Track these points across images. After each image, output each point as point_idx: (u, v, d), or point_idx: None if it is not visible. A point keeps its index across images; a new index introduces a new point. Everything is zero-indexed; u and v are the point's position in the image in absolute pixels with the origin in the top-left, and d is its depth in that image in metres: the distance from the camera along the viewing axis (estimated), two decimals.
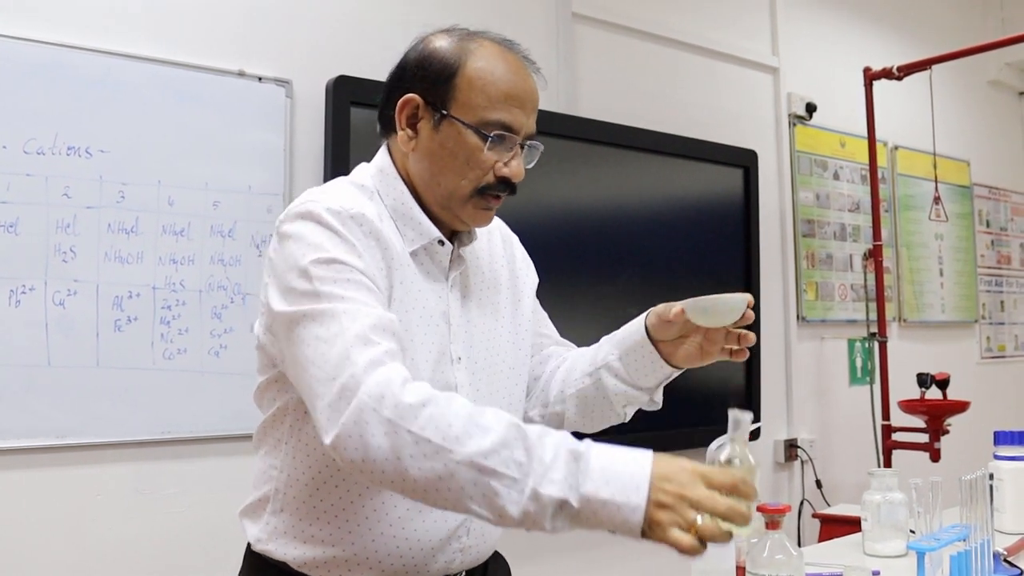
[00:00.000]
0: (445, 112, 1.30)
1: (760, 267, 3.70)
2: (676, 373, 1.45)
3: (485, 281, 1.46)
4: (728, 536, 0.98)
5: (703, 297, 1.31)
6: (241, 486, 2.39)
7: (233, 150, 2.50)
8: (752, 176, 3.68)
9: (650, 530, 1.00)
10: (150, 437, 2.36)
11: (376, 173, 1.36)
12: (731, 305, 1.33)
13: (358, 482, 1.27)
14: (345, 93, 2.60)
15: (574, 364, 1.53)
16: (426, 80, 1.32)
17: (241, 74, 2.53)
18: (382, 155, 1.39)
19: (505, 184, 1.33)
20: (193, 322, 2.41)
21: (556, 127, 3.06)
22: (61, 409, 2.24)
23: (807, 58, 4.17)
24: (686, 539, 0.98)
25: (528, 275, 1.57)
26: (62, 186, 2.26)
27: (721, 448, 1.12)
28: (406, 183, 1.35)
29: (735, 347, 1.40)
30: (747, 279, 3.64)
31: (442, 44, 1.33)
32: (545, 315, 1.62)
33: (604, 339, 1.52)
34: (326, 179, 2.55)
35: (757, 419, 3.55)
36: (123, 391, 2.31)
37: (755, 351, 3.63)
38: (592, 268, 3.13)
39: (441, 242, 1.36)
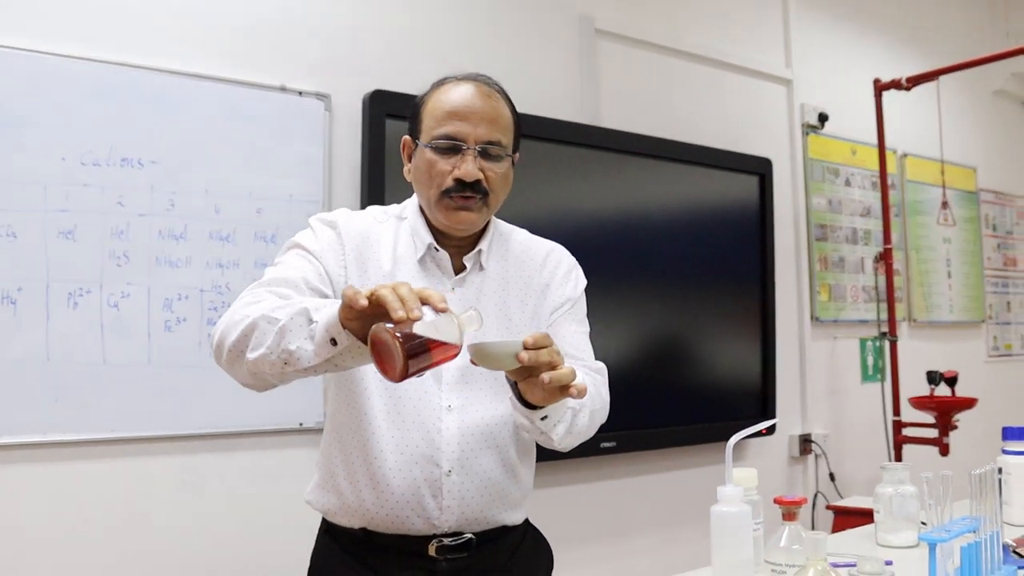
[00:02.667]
0: (417, 141, 1.51)
1: (776, 270, 3.69)
2: (537, 413, 1.34)
3: (508, 291, 1.55)
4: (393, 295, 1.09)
5: (478, 342, 1.22)
6: (279, 477, 2.44)
7: (275, 161, 2.51)
8: (767, 183, 3.67)
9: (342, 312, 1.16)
10: (197, 431, 2.37)
11: (410, 202, 1.59)
12: (498, 351, 1.21)
13: (355, 436, 1.46)
14: (381, 106, 2.61)
15: None
16: (409, 120, 1.55)
17: (283, 89, 2.55)
18: None
19: (461, 184, 1.46)
20: None
21: (580, 137, 3.06)
22: (115, 405, 2.26)
23: (819, 70, 4.14)
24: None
25: (560, 290, 1.60)
26: (116, 195, 2.28)
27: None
28: (421, 206, 1.55)
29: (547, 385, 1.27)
30: (763, 281, 3.62)
31: (421, 92, 1.55)
32: (574, 332, 1.59)
33: None
34: (363, 188, 2.60)
35: (773, 415, 3.57)
36: (172, 388, 2.33)
37: (770, 350, 3.62)
38: (614, 272, 3.12)
39: (436, 248, 1.51)
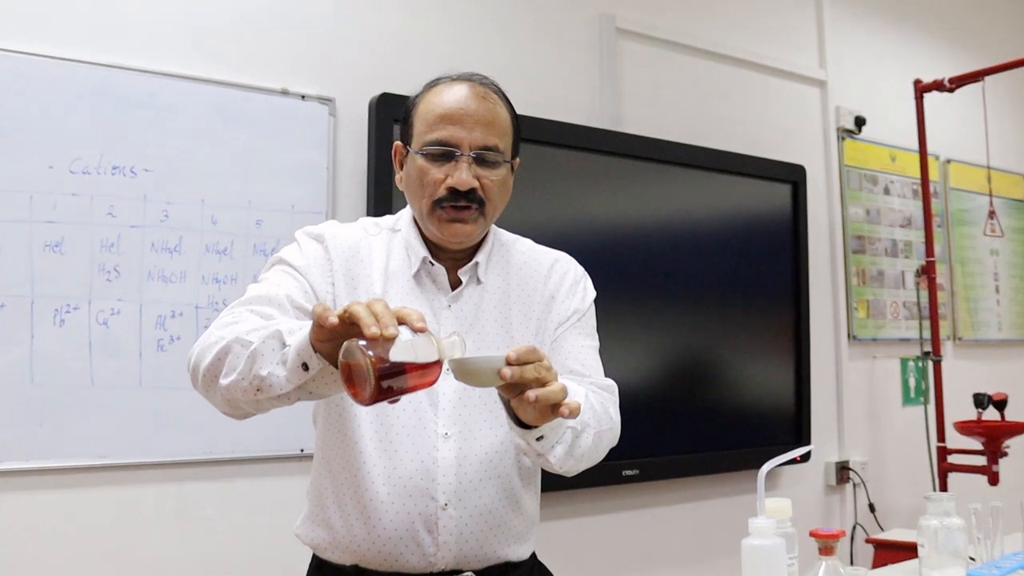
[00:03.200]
0: (408, 147, 1.51)
1: (809, 285, 3.67)
2: (531, 433, 1.32)
3: (509, 305, 1.55)
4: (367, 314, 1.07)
5: (459, 357, 1.18)
6: (280, 507, 2.43)
7: (276, 169, 2.52)
8: (800, 192, 3.66)
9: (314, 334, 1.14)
10: (191, 457, 2.37)
11: (405, 213, 1.59)
12: (479, 367, 1.19)
13: (345, 465, 1.46)
14: (388, 111, 2.61)
15: None
16: (401, 125, 1.55)
17: (285, 92, 2.55)
18: None
19: (455, 193, 1.45)
20: None
21: (600, 143, 3.06)
22: (104, 429, 2.25)
23: (856, 71, 4.12)
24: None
25: (567, 302, 1.60)
26: (107, 205, 2.28)
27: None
28: (415, 218, 1.55)
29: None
30: (796, 297, 3.61)
31: (413, 93, 1.55)
32: (582, 347, 1.59)
33: None
34: (369, 197, 2.60)
35: (807, 441, 3.54)
36: (165, 411, 2.33)
37: (804, 371, 3.60)
38: (637, 287, 3.12)
39: (431, 263, 1.51)
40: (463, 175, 1.44)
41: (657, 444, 3.13)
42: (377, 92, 2.64)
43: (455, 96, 1.47)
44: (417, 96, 1.53)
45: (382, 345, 1.06)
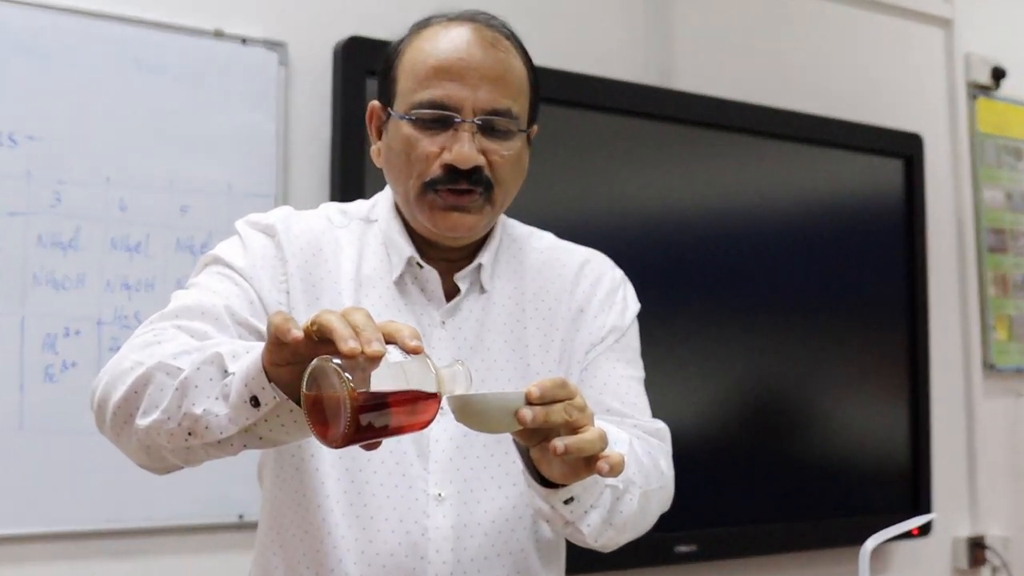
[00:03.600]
0: (390, 110, 1.51)
1: (928, 295, 3.67)
2: (557, 494, 1.31)
3: (523, 320, 1.57)
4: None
5: (463, 394, 1.18)
6: None
7: (207, 137, 2.51)
8: (915, 169, 3.66)
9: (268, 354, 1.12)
10: (92, 527, 2.36)
11: (382, 198, 1.60)
12: (490, 406, 1.19)
13: (302, 537, 1.47)
14: (359, 60, 2.61)
15: None
16: (379, 80, 1.56)
17: (219, 35, 2.55)
18: None
19: (454, 173, 1.44)
20: None
21: (644, 104, 3.06)
22: None
23: (992, 5, 4.11)
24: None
25: (601, 317, 1.61)
26: None
27: None
28: (396, 203, 1.56)
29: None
30: (910, 312, 3.60)
31: (396, 38, 1.55)
32: (625, 379, 1.60)
33: None
34: (333, 176, 2.61)
35: (927, 508, 3.51)
36: (55, 463, 2.31)
37: (923, 412, 3.59)
38: (693, 297, 3.12)
39: (420, 264, 1.51)
40: (465, 148, 1.44)
41: (721, 511, 3.12)
42: (344, 35, 2.64)
43: (454, 42, 1.47)
44: (401, 42, 1.53)
45: (362, 367, 1.04)
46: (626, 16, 3.23)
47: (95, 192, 2.39)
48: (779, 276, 3.31)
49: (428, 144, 1.45)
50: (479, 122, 1.45)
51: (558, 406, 1.18)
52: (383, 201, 1.58)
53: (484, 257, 1.55)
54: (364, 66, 2.60)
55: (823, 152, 3.45)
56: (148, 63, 2.46)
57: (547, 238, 1.67)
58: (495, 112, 1.46)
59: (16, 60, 2.33)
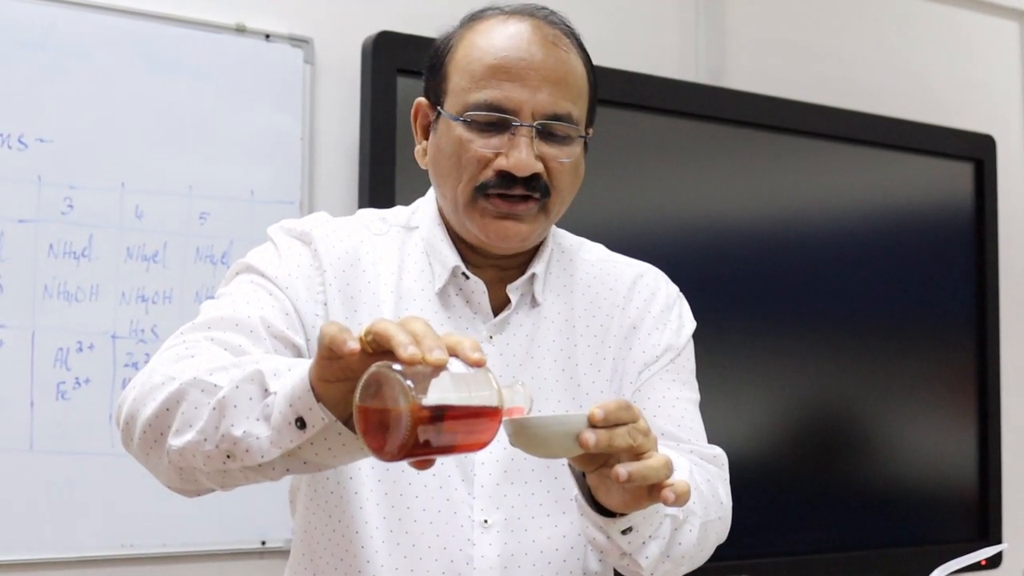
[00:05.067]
0: (440, 109, 1.51)
1: (1000, 310, 3.65)
2: (615, 524, 1.31)
3: (573, 337, 1.57)
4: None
5: (520, 417, 1.19)
6: None
7: (228, 139, 2.52)
8: (986, 173, 3.63)
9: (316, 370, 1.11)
10: (104, 553, 2.36)
11: (423, 204, 1.60)
12: (551, 430, 1.19)
13: (338, 565, 1.47)
14: (389, 56, 2.60)
15: None
16: (426, 76, 1.56)
17: (240, 30, 2.55)
18: None
19: (509, 179, 1.44)
20: None
21: (694, 104, 3.05)
22: None
23: None
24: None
25: (656, 335, 1.61)
26: None
27: None
28: (440, 209, 1.57)
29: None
30: (980, 328, 3.58)
31: (447, 31, 1.54)
32: (680, 401, 1.60)
33: None
34: (362, 181, 2.60)
35: (996, 538, 3.49)
36: (67, 486, 2.32)
37: (993, 434, 3.55)
38: (746, 312, 3.11)
39: (466, 275, 1.51)
40: (523, 155, 1.44)
41: (775, 540, 3.11)
42: (374, 30, 2.63)
43: (513, 39, 1.47)
44: (453, 35, 1.53)
45: (423, 377, 1.02)
46: (676, 11, 3.22)
47: (109, 198, 2.39)
48: (838, 288, 3.30)
49: (482, 147, 1.45)
50: (538, 127, 1.45)
51: (622, 430, 1.18)
52: (425, 207, 1.58)
53: (537, 267, 1.55)
54: (395, 63, 2.60)
55: (886, 155, 3.42)
56: (165, 61, 2.46)
57: (597, 250, 1.67)
58: (555, 116, 1.46)
59: (25, 58, 2.34)
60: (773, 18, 3.41)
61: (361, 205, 2.56)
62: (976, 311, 3.58)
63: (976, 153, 3.61)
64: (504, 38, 1.47)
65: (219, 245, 2.48)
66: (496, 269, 1.54)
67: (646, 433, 1.20)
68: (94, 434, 2.35)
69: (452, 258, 1.51)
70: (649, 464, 1.18)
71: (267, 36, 2.57)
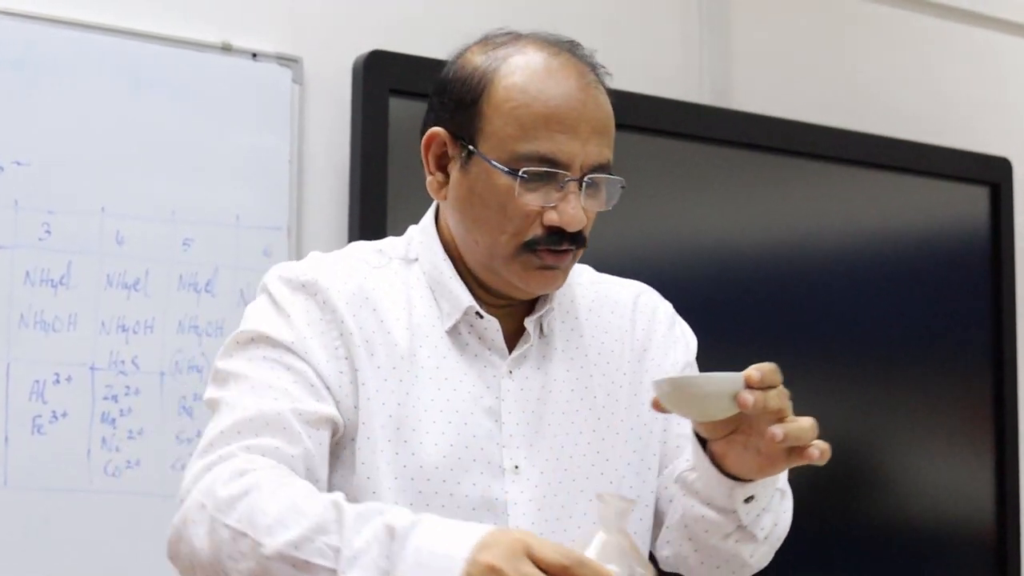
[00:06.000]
0: (472, 148, 1.47)
1: (1017, 336, 3.64)
2: (743, 490, 1.40)
3: (586, 366, 1.58)
4: None
5: (675, 376, 1.34)
6: None
7: (213, 162, 2.51)
8: (1003, 197, 3.63)
9: None
10: None
11: (418, 234, 1.58)
12: (710, 389, 1.29)
13: None
14: (380, 76, 2.61)
15: None
16: (450, 107, 1.51)
17: (226, 49, 2.54)
18: (430, 210, 1.60)
19: (560, 235, 1.45)
20: (151, 420, 2.40)
21: (699, 126, 3.05)
22: None
23: None
24: None
25: (670, 353, 1.64)
26: None
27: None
28: (446, 242, 1.56)
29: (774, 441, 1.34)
30: (997, 357, 3.56)
31: (473, 58, 1.52)
32: None
33: None
34: (353, 205, 2.63)
35: (1017, 571, 3.46)
36: (42, 524, 2.30)
37: (1011, 467, 3.53)
38: (751, 337, 3.09)
39: (479, 314, 1.50)
40: (575, 210, 1.45)
41: None
42: (364, 49, 2.63)
43: (561, 87, 1.47)
44: (485, 71, 1.50)
45: None
46: (680, 31, 3.22)
47: (89, 223, 2.39)
48: (850, 316, 3.30)
49: (532, 200, 1.45)
50: (588, 181, 1.46)
51: (773, 392, 1.27)
52: (422, 238, 1.58)
53: (554, 300, 1.56)
54: (387, 83, 2.61)
55: (899, 178, 3.43)
56: (147, 80, 2.46)
57: (587, 272, 1.68)
58: (600, 167, 1.47)
59: (3, 77, 2.34)
60: (780, 37, 3.40)
61: (351, 229, 2.59)
62: (993, 339, 3.57)
63: (992, 177, 3.61)
64: (551, 83, 1.46)
65: (203, 272, 2.47)
66: (504, 306, 1.54)
67: (788, 398, 1.29)
68: (71, 470, 2.33)
69: (465, 298, 1.50)
70: (801, 425, 1.28)
71: (254, 55, 2.57)
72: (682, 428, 1.58)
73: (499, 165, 1.44)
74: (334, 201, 2.63)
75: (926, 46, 3.70)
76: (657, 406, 1.34)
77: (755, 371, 1.26)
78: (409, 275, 1.54)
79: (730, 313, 3.03)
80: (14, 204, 2.31)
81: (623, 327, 1.62)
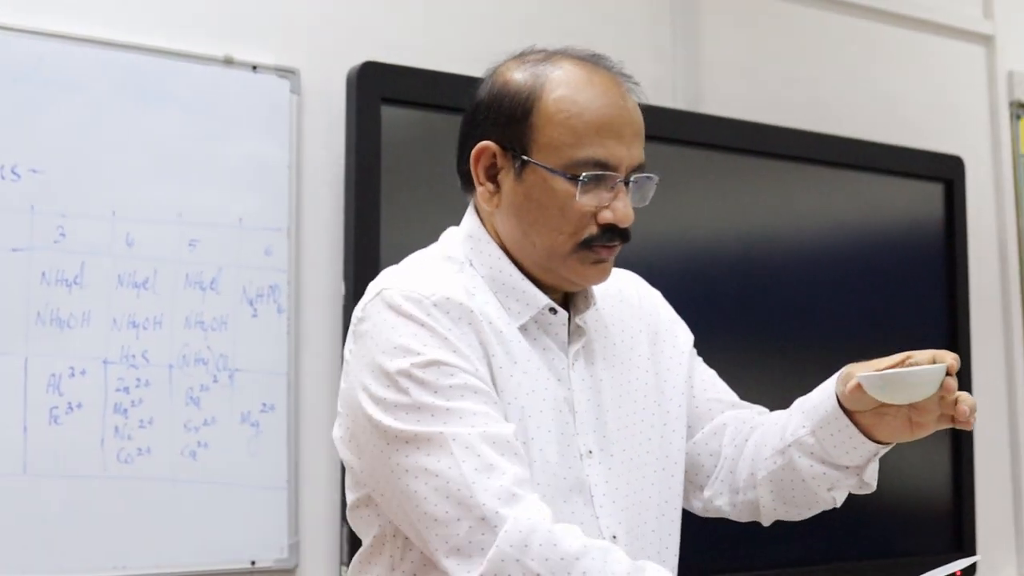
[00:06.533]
0: (526, 158, 1.53)
1: (971, 327, 3.65)
2: (883, 450, 1.60)
3: (618, 354, 1.66)
4: None
5: (885, 372, 1.46)
6: None
7: (217, 168, 2.52)
8: (956, 194, 3.65)
9: None
10: (96, 574, 2.34)
11: (465, 240, 1.61)
12: (922, 379, 1.45)
13: None
14: (373, 86, 2.61)
15: (763, 439, 1.70)
16: (500, 122, 1.56)
17: (228, 61, 2.56)
18: (469, 217, 1.63)
19: (612, 232, 1.53)
20: (160, 410, 2.43)
21: (673, 130, 3.04)
22: None
23: None
24: None
25: (678, 337, 1.77)
26: None
27: None
28: (500, 246, 1.59)
29: (954, 414, 1.53)
30: (951, 342, 3.57)
31: (515, 75, 1.57)
32: (712, 375, 1.80)
33: (795, 404, 1.72)
34: (348, 207, 2.60)
35: (971, 549, 3.49)
36: (60, 509, 2.31)
37: (966, 448, 3.55)
38: (723, 329, 3.08)
39: (553, 310, 1.57)
40: (626, 208, 1.54)
41: (753, 554, 3.09)
42: (358, 60, 2.63)
43: (608, 96, 1.55)
44: (533, 85, 1.56)
45: None
46: (652, 39, 3.23)
47: (100, 226, 2.40)
48: (811, 308, 3.32)
49: (589, 202, 1.51)
50: (633, 180, 1.54)
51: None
52: (470, 244, 1.61)
53: (595, 296, 1.64)
54: (379, 93, 2.62)
55: (858, 177, 3.45)
56: (154, 92, 2.46)
57: None
58: (640, 167, 1.55)
59: (18, 90, 2.34)
60: (747, 45, 3.41)
61: (347, 232, 2.60)
62: (947, 329, 3.59)
63: (946, 174, 3.64)
64: (596, 94, 1.54)
65: (208, 271, 2.47)
66: (562, 303, 1.61)
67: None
68: (86, 458, 2.33)
69: (540, 296, 1.56)
70: (972, 400, 1.49)
71: (254, 67, 2.57)
72: (711, 394, 1.76)
73: (557, 171, 1.51)
74: (331, 204, 2.63)
75: (883, 53, 3.72)
76: (855, 392, 1.52)
77: (952, 358, 1.46)
78: (475, 280, 1.57)
79: (699, 308, 2.88)
80: (31, 209, 2.31)
81: (636, 315, 1.71)
